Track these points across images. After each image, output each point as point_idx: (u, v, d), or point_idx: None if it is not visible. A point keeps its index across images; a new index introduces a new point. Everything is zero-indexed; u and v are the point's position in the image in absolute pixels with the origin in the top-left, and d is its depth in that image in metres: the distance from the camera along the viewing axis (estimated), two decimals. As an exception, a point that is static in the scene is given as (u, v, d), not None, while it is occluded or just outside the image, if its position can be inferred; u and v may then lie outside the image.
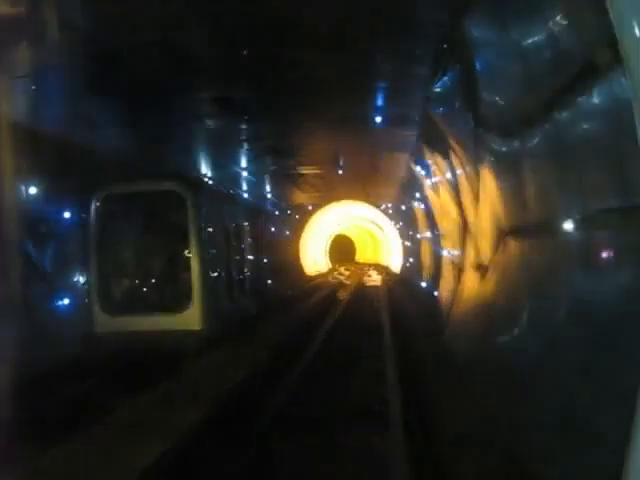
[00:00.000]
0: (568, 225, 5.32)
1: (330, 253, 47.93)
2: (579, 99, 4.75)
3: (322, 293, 27.54)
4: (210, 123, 13.76)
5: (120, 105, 11.40)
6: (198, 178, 16.53)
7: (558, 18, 4.81)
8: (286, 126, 14.96)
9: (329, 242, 46.70)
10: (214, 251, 13.47)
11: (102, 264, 12.36)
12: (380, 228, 38.43)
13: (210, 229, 13.30)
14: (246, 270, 16.54)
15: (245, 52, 9.48)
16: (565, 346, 5.23)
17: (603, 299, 4.59)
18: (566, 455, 4.65)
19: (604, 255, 4.70)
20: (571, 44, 4.70)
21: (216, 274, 13.57)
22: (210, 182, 17.41)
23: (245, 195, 22.71)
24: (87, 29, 8.01)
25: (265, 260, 21.18)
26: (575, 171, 5.12)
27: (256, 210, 22.30)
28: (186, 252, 12.42)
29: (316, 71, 10.51)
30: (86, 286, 12.45)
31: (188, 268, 12.30)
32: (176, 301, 12.31)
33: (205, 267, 12.59)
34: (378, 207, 31.91)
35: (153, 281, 12.81)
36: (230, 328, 13.53)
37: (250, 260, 17.44)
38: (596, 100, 4.51)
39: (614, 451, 3.17)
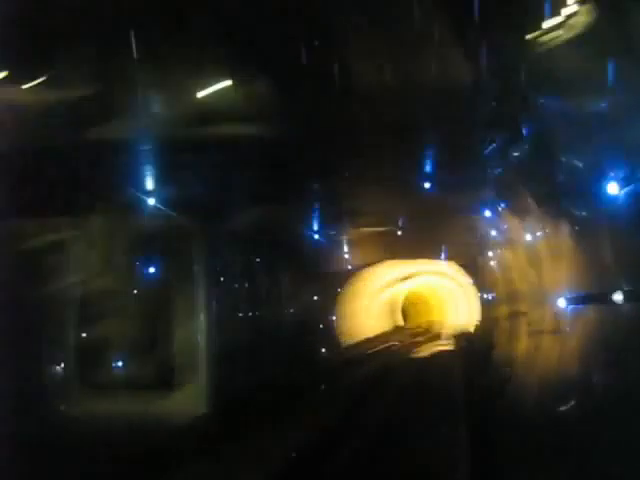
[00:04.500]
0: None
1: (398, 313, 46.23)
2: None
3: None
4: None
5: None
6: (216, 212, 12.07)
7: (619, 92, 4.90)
8: (347, 189, 15.06)
9: (393, 302, 44.57)
10: (230, 308, 10.76)
11: (79, 319, 8.86)
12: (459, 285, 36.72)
13: (227, 279, 10.62)
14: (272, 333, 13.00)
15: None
16: None
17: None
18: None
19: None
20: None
21: (232, 336, 10.39)
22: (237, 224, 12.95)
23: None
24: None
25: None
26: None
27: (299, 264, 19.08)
28: (191, 308, 9.48)
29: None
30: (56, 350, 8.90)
31: (191, 329, 9.36)
32: (172, 374, 9.17)
33: (215, 328, 9.62)
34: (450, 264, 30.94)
35: (144, 347, 9.31)
36: (251, 410, 9.73)
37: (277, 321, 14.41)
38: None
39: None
